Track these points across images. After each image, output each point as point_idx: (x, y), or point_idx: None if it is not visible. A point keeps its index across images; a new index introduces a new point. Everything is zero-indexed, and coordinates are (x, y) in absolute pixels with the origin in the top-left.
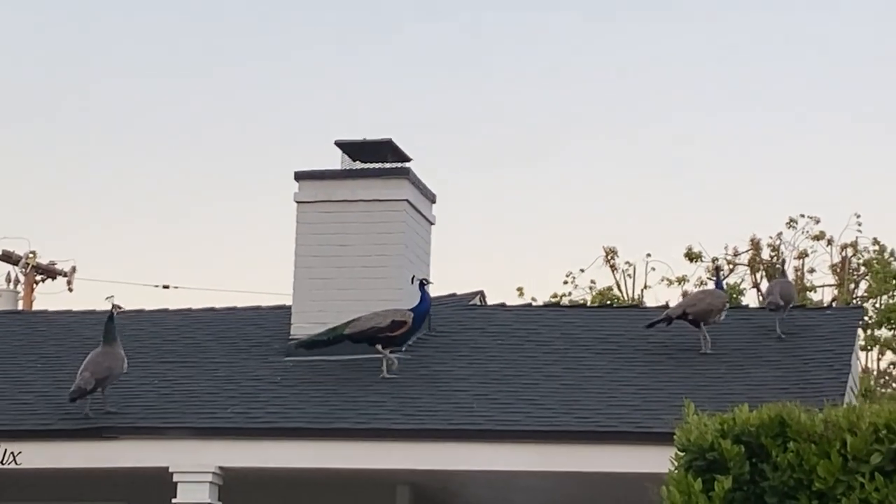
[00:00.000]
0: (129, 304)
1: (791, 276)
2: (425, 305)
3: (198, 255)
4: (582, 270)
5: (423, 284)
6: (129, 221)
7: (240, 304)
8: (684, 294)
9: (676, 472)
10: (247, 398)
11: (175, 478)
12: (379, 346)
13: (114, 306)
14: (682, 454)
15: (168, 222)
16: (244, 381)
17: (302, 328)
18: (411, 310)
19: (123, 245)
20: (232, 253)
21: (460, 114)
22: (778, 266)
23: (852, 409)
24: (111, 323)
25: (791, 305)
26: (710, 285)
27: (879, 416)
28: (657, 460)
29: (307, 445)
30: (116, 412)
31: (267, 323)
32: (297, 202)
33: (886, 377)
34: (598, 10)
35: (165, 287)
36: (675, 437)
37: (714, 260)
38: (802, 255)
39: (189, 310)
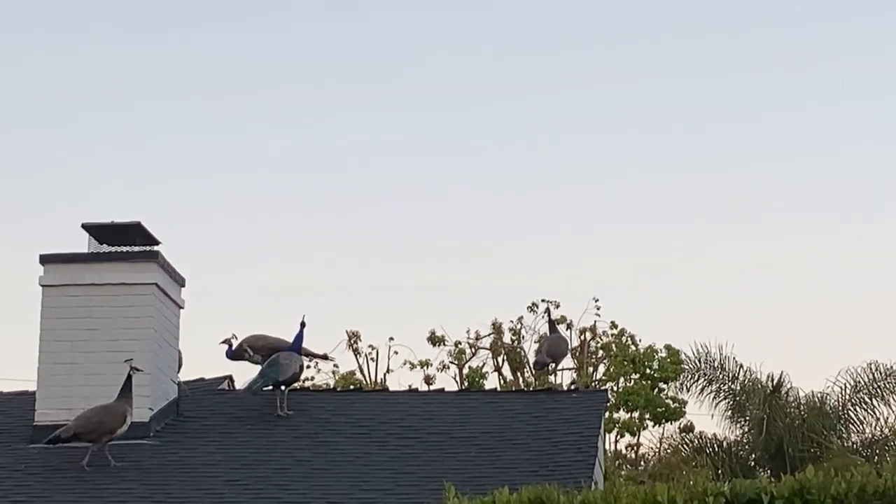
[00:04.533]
0: None
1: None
2: (297, 344)
3: None
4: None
5: (302, 324)
6: None
7: None
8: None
9: None
10: None
11: None
12: (286, 388)
13: (132, 368)
14: None
15: None
16: None
17: (46, 415)
18: (290, 349)
19: None
20: None
21: (211, 197)
22: (545, 320)
23: (610, 491)
24: (128, 381)
25: (562, 360)
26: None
27: (636, 497)
28: None
29: None
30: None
31: (9, 409)
32: (43, 286)
33: (622, 459)
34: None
35: None
36: None
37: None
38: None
39: None
